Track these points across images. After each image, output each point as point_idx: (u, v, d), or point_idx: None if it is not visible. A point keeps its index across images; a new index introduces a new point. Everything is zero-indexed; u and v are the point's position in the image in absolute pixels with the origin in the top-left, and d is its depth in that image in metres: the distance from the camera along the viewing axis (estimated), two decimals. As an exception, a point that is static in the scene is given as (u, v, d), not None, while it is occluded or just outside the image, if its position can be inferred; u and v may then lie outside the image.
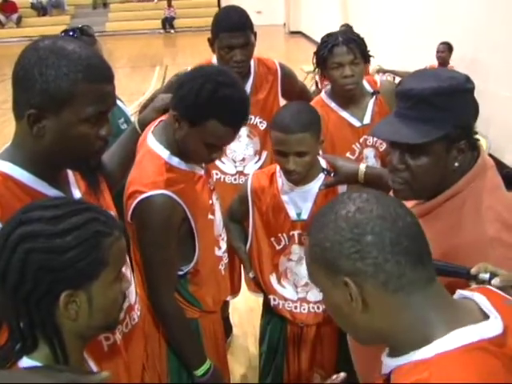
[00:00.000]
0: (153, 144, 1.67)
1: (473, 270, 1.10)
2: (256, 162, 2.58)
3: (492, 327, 0.89)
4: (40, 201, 1.09)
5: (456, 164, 1.25)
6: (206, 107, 1.52)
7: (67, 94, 1.17)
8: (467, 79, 1.26)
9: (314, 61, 2.35)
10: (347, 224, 0.89)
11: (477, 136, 1.30)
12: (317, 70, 2.37)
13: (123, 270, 1.13)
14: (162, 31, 17.83)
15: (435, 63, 5.70)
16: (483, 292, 0.99)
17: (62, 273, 0.97)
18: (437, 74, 1.27)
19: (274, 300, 2.06)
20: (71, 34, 2.32)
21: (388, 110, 2.37)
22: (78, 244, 0.98)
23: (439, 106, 1.20)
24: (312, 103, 2.42)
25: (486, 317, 0.92)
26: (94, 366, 1.20)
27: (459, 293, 1.00)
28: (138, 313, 1.61)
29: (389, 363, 0.94)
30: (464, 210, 1.26)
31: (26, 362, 1.00)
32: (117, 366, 1.47)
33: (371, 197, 0.93)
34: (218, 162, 2.51)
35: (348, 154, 2.36)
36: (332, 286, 0.92)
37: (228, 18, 2.34)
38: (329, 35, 2.31)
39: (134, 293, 1.60)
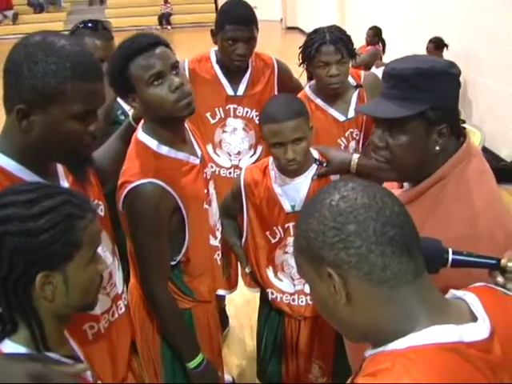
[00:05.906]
0: (141, 135, 1.69)
1: (503, 261, 1.05)
2: (251, 156, 2.57)
3: (477, 331, 0.86)
4: (15, 185, 1.10)
5: (437, 148, 1.26)
6: None
7: (55, 91, 1.17)
8: (451, 65, 1.27)
9: (300, 57, 2.33)
10: (330, 213, 0.87)
11: (465, 125, 1.32)
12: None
13: (100, 251, 1.16)
14: (158, 27, 17.75)
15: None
16: (477, 291, 0.95)
17: (36, 255, 0.99)
18: (421, 58, 1.30)
19: (272, 294, 2.06)
20: (90, 25, 2.27)
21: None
22: (51, 227, 1.00)
23: (418, 85, 1.22)
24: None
25: (475, 319, 0.88)
26: (76, 347, 1.21)
27: (452, 292, 0.97)
28: (126, 302, 1.62)
29: (367, 354, 0.91)
30: (446, 196, 1.27)
31: (8, 344, 1.02)
32: (101, 353, 1.48)
33: (357, 185, 0.89)
34: (213, 155, 2.52)
35: None
36: (318, 278, 0.89)
37: (236, 11, 2.33)
38: (316, 32, 2.27)
39: (121, 282, 1.61)
